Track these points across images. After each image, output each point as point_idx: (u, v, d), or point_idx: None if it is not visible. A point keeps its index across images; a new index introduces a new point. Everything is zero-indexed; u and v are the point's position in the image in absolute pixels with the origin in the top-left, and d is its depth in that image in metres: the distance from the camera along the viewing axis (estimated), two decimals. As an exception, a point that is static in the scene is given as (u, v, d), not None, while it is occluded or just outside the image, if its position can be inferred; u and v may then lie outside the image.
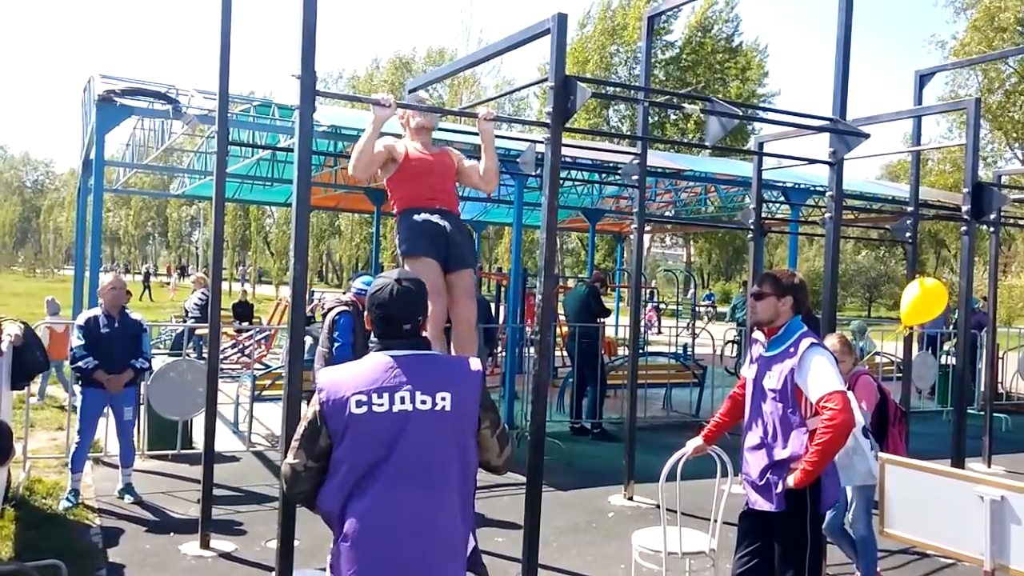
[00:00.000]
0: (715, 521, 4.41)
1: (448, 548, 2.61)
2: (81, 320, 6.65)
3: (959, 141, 28.28)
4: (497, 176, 4.84)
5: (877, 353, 12.83)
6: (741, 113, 5.20)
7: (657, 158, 13.00)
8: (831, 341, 4.98)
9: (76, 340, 6.53)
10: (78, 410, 6.63)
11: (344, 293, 6.89)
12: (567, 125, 4.72)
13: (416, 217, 4.55)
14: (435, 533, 2.58)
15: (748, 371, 4.06)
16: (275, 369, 10.05)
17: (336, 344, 6.54)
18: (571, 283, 19.42)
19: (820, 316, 6.04)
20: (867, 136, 5.51)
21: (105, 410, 6.73)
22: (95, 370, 6.45)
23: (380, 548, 2.54)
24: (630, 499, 7.17)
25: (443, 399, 2.61)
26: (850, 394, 3.97)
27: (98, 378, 6.47)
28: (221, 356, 8.91)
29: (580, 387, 9.99)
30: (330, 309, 6.64)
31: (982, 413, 9.56)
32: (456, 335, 4.75)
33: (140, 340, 6.70)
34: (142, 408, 7.79)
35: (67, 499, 6.34)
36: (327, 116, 10.02)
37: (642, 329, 16.81)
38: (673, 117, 36.11)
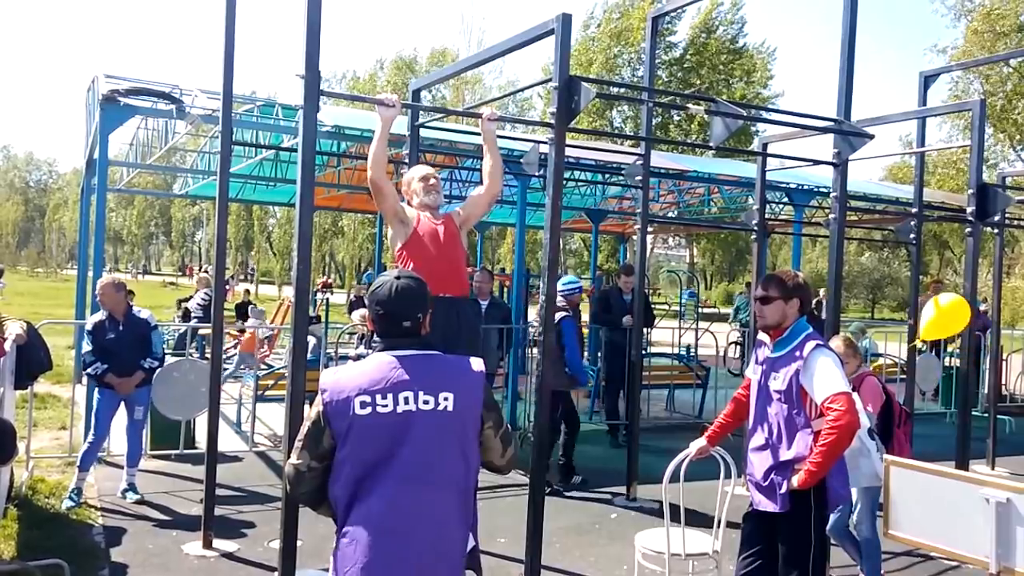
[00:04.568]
0: (719, 523, 4.40)
1: (447, 548, 2.61)
2: (89, 325, 6.68)
3: (961, 143, 28.30)
4: (502, 175, 4.83)
5: (878, 355, 12.82)
6: (745, 114, 5.19)
7: (661, 159, 13.00)
8: (836, 343, 4.97)
9: (85, 345, 6.58)
10: (93, 409, 6.63)
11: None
12: (571, 126, 4.72)
13: None
14: (436, 532, 2.58)
15: (753, 373, 4.06)
16: (278, 369, 10.05)
17: (564, 351, 7.32)
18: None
19: (823, 317, 6.03)
20: (871, 137, 5.51)
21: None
22: (105, 374, 6.49)
23: (382, 547, 2.53)
24: (633, 500, 7.16)
25: (446, 399, 2.61)
26: (855, 395, 3.96)
27: (109, 382, 6.50)
28: (224, 356, 8.91)
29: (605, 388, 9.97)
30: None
31: (986, 415, 9.53)
32: None
33: (149, 340, 6.69)
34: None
35: (70, 497, 6.34)
36: (331, 116, 10.03)
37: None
38: (677, 118, 36.10)
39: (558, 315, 7.47)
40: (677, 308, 21.17)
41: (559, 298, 7.66)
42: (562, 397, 7.56)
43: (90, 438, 6.56)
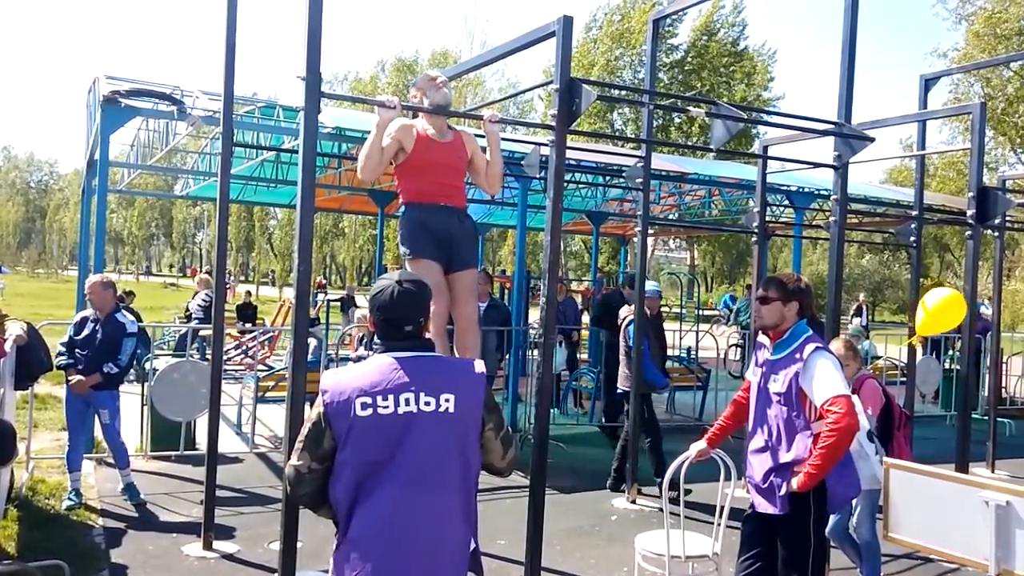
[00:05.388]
0: (718, 524, 4.40)
1: (449, 550, 2.61)
2: (75, 318, 6.70)
3: (962, 146, 28.29)
4: (501, 179, 4.83)
5: (878, 357, 12.81)
6: (746, 116, 5.18)
7: (661, 161, 12.99)
8: (836, 345, 4.97)
9: (64, 337, 6.59)
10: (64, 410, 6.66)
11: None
12: (571, 128, 4.71)
13: (420, 215, 4.54)
14: (437, 534, 2.58)
15: (753, 375, 4.06)
16: (278, 370, 10.05)
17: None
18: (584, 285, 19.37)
19: (824, 320, 6.03)
20: (872, 140, 5.50)
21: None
22: (66, 369, 6.47)
23: (384, 549, 2.53)
24: (633, 502, 7.16)
25: (447, 401, 2.61)
26: (855, 398, 3.96)
27: (69, 375, 6.47)
28: (224, 357, 8.91)
29: (604, 390, 9.95)
30: (624, 317, 7.69)
31: (986, 418, 9.53)
32: (458, 334, 4.76)
33: (119, 344, 6.51)
34: (145, 409, 7.80)
35: (69, 499, 6.35)
36: (331, 117, 10.03)
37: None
38: (678, 120, 36.10)
39: (627, 319, 7.47)
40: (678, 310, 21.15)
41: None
42: (641, 401, 7.44)
43: (68, 437, 6.58)
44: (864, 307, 20.68)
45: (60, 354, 6.49)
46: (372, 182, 4.64)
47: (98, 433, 7.57)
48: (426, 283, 2.85)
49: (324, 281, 43.91)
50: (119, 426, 6.67)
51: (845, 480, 3.89)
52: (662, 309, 8.09)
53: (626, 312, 7.71)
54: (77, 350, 6.47)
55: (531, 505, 4.39)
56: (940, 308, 6.36)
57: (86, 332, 6.51)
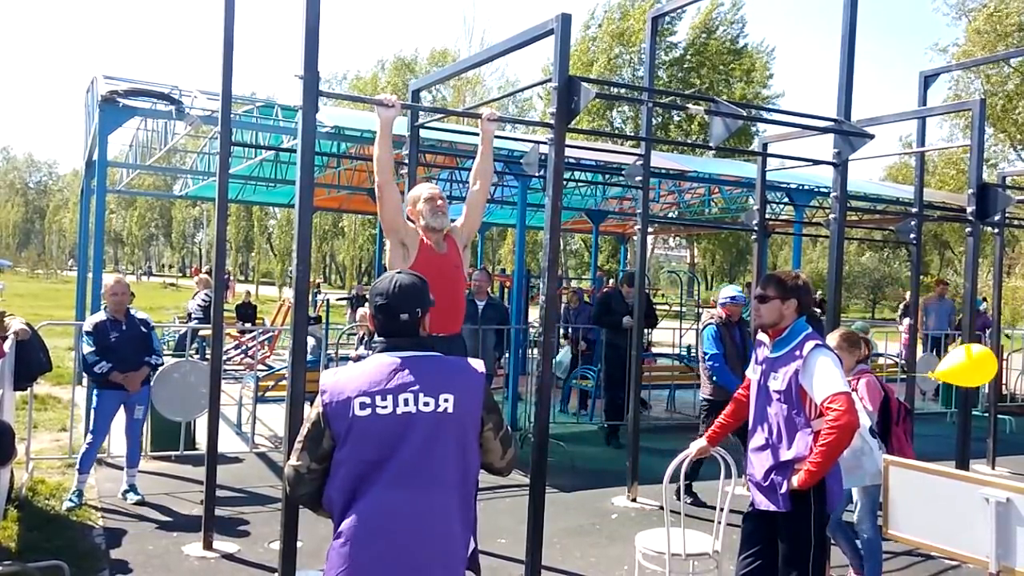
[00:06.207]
0: (719, 523, 4.39)
1: (446, 550, 2.60)
2: (89, 325, 6.62)
3: (962, 143, 28.27)
4: (490, 177, 4.83)
5: (878, 354, 12.79)
6: (745, 114, 5.18)
7: (661, 159, 12.98)
8: (833, 337, 4.96)
9: (87, 346, 6.51)
10: (94, 411, 6.59)
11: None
12: (571, 126, 4.71)
13: None
14: (433, 535, 2.57)
15: (753, 373, 4.06)
16: (278, 370, 10.04)
17: (706, 356, 7.12)
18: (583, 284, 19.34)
19: (824, 317, 6.01)
20: (871, 137, 5.51)
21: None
22: (110, 372, 6.45)
23: (376, 549, 2.52)
24: (634, 500, 7.16)
25: (446, 401, 2.61)
26: (858, 393, 3.95)
27: (115, 379, 6.47)
28: (224, 357, 8.91)
29: (605, 388, 9.89)
30: (703, 320, 7.48)
31: (986, 415, 9.53)
32: None
33: (150, 338, 6.74)
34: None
35: (71, 499, 6.34)
36: (330, 117, 10.04)
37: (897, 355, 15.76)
38: (677, 118, 36.10)
39: (704, 322, 7.32)
40: (678, 308, 21.14)
41: (717, 307, 7.34)
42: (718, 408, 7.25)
43: (89, 439, 6.55)
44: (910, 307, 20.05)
45: (94, 362, 6.44)
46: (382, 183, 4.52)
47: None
48: (426, 279, 2.87)
49: (320, 280, 43.78)
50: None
51: (836, 480, 3.90)
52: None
53: (706, 317, 7.49)
54: (113, 353, 6.48)
55: (531, 504, 4.39)
56: (973, 364, 5.62)
57: (116, 334, 6.54)
